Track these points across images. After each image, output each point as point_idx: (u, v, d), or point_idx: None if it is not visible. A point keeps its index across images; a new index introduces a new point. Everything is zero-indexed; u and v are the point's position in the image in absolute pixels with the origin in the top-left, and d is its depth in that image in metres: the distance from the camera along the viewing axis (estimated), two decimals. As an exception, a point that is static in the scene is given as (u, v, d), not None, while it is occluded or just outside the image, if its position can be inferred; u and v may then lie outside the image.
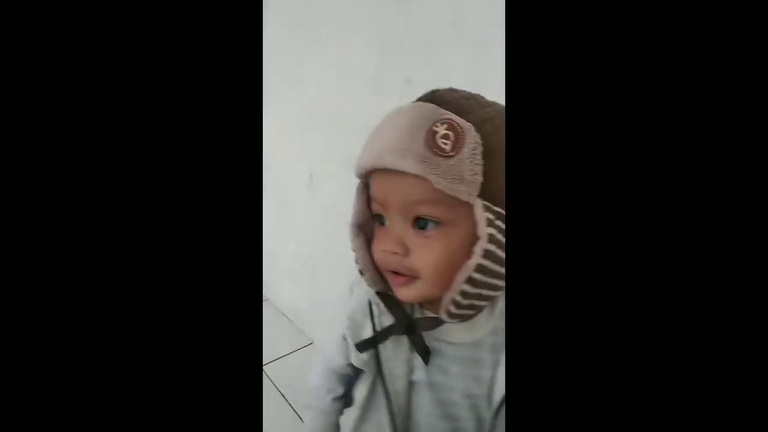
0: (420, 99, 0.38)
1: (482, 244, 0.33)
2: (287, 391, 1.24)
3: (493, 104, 0.37)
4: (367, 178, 0.39)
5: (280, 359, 1.37)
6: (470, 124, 0.33)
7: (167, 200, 0.25)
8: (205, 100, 0.26)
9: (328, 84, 1.13)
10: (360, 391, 0.47)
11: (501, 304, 0.41)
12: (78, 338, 0.24)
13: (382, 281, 0.40)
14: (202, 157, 0.26)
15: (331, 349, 0.49)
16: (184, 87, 0.25)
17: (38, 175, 0.23)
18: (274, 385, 1.27)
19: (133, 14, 0.24)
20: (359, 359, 0.45)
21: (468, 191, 0.33)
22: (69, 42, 0.24)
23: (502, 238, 0.34)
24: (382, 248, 0.38)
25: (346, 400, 0.54)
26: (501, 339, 0.40)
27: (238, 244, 0.26)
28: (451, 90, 0.38)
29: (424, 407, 0.43)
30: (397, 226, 0.37)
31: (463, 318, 0.39)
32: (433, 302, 0.41)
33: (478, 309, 0.38)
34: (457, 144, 0.33)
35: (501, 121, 0.35)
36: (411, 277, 0.37)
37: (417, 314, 0.43)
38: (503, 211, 0.34)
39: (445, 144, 0.33)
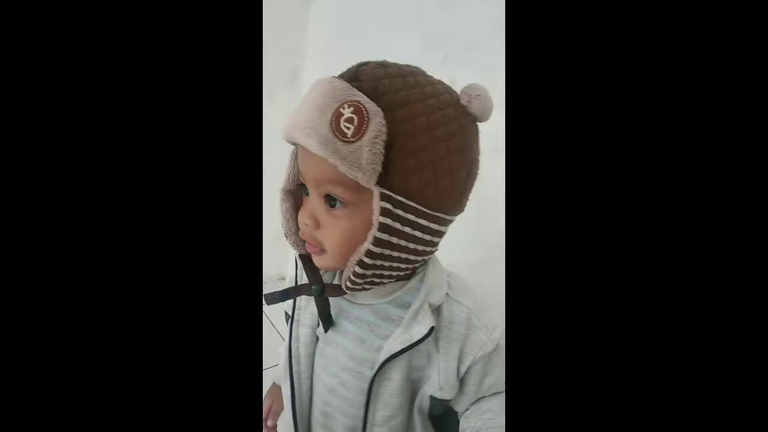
0: (344, 72, 0.37)
1: (373, 232, 0.34)
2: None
3: (427, 85, 0.36)
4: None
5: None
6: (378, 108, 0.33)
7: (167, 200, 0.25)
8: (207, 100, 0.26)
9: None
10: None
11: (431, 278, 0.42)
12: (78, 338, 0.24)
13: (304, 245, 0.42)
14: (202, 156, 0.26)
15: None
16: (203, 87, 0.25)
17: (38, 175, 0.23)
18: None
19: (149, 14, 0.24)
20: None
21: (365, 179, 0.33)
22: (69, 42, 0.23)
23: (400, 226, 0.34)
24: (300, 218, 0.40)
25: None
26: (403, 312, 0.42)
27: (238, 245, 0.26)
28: (381, 65, 0.37)
29: (320, 360, 0.47)
30: (313, 199, 0.38)
31: (364, 290, 0.40)
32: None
33: (378, 285, 0.39)
34: (360, 130, 0.32)
35: (425, 106, 0.34)
36: (320, 248, 0.39)
37: (337, 281, 0.45)
38: (406, 200, 0.34)
39: (348, 128, 0.32)
